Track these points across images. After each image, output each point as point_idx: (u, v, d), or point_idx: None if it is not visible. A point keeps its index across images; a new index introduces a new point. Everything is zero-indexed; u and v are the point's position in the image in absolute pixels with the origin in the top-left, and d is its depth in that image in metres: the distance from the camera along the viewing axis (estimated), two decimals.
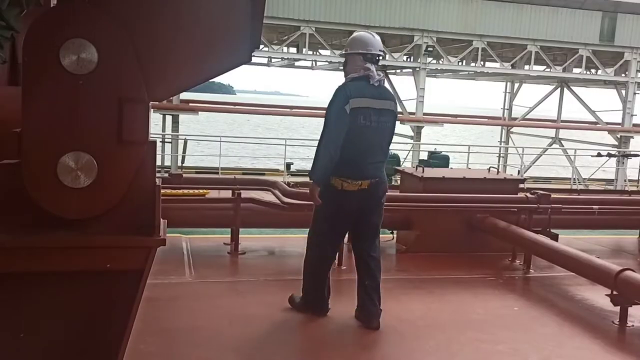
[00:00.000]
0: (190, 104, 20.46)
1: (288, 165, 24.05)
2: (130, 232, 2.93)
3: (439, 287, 5.44)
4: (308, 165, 22.83)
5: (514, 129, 23.61)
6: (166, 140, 18.04)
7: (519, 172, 20.82)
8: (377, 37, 4.36)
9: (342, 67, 4.45)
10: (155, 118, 18.77)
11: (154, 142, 2.99)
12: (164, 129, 19.25)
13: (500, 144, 23.34)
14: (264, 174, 22.49)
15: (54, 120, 2.74)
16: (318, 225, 4.36)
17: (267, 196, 6.40)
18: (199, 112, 18.99)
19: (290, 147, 27.63)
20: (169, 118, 18.56)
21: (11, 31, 2.11)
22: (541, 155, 22.65)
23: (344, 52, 4.30)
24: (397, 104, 4.57)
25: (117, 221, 2.91)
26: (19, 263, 2.77)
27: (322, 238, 4.38)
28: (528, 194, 6.57)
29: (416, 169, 7.03)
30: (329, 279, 4.51)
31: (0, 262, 2.71)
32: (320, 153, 4.07)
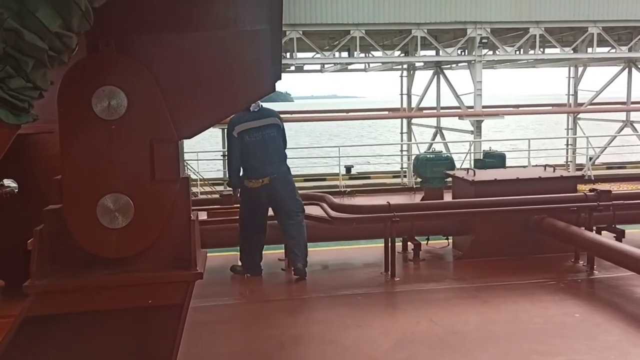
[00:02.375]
0: None
1: (348, 169, 24.10)
2: (168, 268, 3.04)
3: (495, 295, 5.30)
4: (368, 167, 22.64)
5: (581, 115, 22.61)
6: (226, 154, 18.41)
7: (590, 159, 19.98)
8: None
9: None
10: (215, 134, 19.24)
11: (187, 178, 3.09)
12: (224, 145, 19.68)
13: (568, 132, 22.41)
14: (325, 179, 22.66)
15: (90, 165, 2.88)
16: (242, 214, 5.95)
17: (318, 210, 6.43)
18: None
19: (350, 149, 27.74)
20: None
21: (39, 91, 2.21)
22: (612, 140, 21.57)
23: None
24: (279, 118, 6.01)
25: (156, 257, 3.03)
26: (66, 304, 2.92)
27: (245, 222, 5.94)
28: (587, 192, 6.28)
29: (467, 172, 6.87)
30: (261, 249, 6.07)
31: (47, 304, 2.88)
32: (229, 168, 5.99)
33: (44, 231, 2.94)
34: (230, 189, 6.13)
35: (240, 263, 6.15)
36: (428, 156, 8.15)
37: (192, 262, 3.01)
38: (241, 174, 5.83)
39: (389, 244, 5.91)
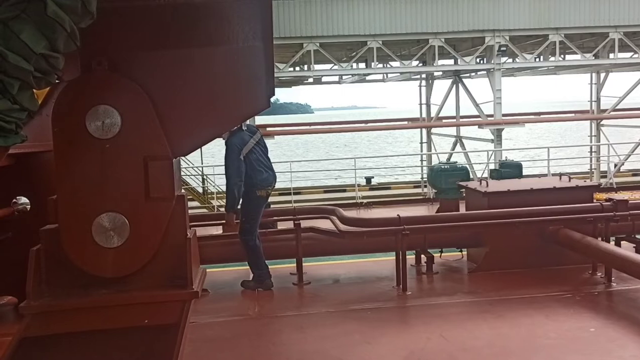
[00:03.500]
0: (267, 129, 20.87)
1: (369, 180, 24.00)
2: (165, 286, 3.01)
3: (509, 309, 5.17)
4: (389, 178, 22.43)
5: (604, 122, 22.22)
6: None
7: (615, 165, 19.59)
8: None
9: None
10: None
11: (183, 196, 3.06)
12: None
13: (591, 139, 22.02)
14: (344, 190, 22.59)
15: (85, 184, 2.88)
16: (251, 225, 5.93)
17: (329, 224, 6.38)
18: (274, 136, 19.32)
19: (368, 160, 27.63)
20: None
21: (26, 112, 2.21)
22: (636, 147, 21.12)
23: None
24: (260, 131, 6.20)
25: (152, 276, 3.00)
26: (63, 325, 2.91)
27: (254, 232, 5.96)
28: (603, 201, 6.12)
29: (480, 183, 6.75)
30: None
31: (44, 325, 2.87)
32: (233, 189, 5.74)
33: (40, 251, 2.94)
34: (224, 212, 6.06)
35: (251, 277, 6.13)
36: (442, 167, 8.04)
37: (188, 281, 2.97)
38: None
39: (400, 258, 5.82)
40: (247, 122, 6.06)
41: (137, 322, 2.94)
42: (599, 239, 5.88)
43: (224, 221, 7.27)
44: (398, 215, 5.93)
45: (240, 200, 5.89)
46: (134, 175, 2.90)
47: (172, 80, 2.95)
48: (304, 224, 6.26)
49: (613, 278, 5.72)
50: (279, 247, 6.24)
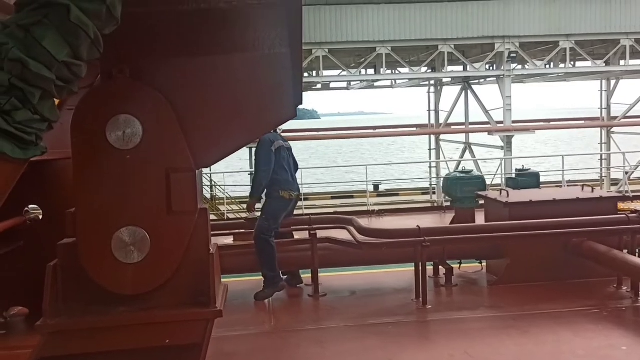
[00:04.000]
0: None
1: (376, 186, 23.84)
2: (187, 304, 2.87)
3: (534, 324, 5.00)
4: (396, 186, 22.27)
5: (614, 129, 22.02)
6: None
7: (626, 173, 19.37)
8: None
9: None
10: (243, 153, 19.20)
11: (205, 210, 2.92)
12: (250, 165, 19.64)
13: (602, 147, 21.81)
14: (352, 196, 22.44)
15: (105, 197, 2.74)
16: (270, 223, 5.86)
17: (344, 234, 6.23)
18: None
19: (376, 167, 27.46)
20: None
21: (47, 122, 2.09)
22: None
23: None
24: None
25: (174, 293, 2.86)
26: (80, 345, 2.77)
27: (271, 231, 5.86)
28: (629, 213, 5.95)
29: (500, 193, 6.59)
30: None
31: (60, 344, 2.73)
32: (260, 179, 5.94)
33: (57, 267, 2.80)
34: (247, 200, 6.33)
35: (263, 286, 5.94)
36: (458, 175, 7.88)
37: (211, 299, 2.83)
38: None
39: (420, 270, 5.66)
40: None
41: (158, 342, 2.80)
42: (625, 251, 5.71)
43: (235, 230, 7.18)
44: (418, 226, 5.78)
45: (263, 198, 6.11)
46: (156, 188, 2.77)
47: (196, 88, 2.82)
48: (319, 233, 6.11)
49: None
50: (294, 257, 6.09)
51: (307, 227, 6.35)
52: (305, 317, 5.54)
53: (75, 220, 2.77)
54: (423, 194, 23.07)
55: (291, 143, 6.71)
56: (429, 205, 18.00)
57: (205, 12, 2.73)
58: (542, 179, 11.55)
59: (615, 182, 21.06)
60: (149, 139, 2.73)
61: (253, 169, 6.28)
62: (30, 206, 4.39)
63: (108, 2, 2.03)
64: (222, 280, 3.23)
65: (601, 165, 21.34)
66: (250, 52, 2.82)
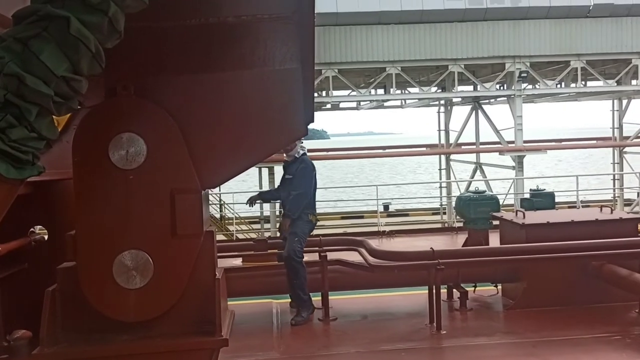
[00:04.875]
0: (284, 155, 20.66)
1: (386, 206, 23.64)
2: (191, 332, 2.72)
3: (554, 352, 4.80)
4: (405, 205, 22.07)
5: (627, 149, 21.77)
6: None
7: (638, 194, 19.08)
8: None
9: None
10: (251, 172, 19.12)
11: (212, 232, 2.78)
12: (260, 184, 19.55)
13: (614, 167, 21.55)
14: (362, 216, 22.26)
15: (106, 218, 2.61)
16: (301, 246, 5.82)
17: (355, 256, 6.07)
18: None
19: (387, 187, 27.33)
20: (265, 171, 18.76)
21: (45, 141, 1.96)
22: None
23: None
24: None
25: (178, 321, 2.71)
26: None
27: (302, 255, 5.83)
28: None
29: (516, 214, 6.42)
30: None
31: None
32: (301, 201, 5.93)
33: (56, 292, 2.66)
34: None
35: (297, 311, 5.88)
36: (472, 196, 7.71)
37: (217, 326, 2.68)
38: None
39: (434, 294, 5.48)
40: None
41: None
42: None
43: (244, 252, 7.04)
44: (432, 248, 5.61)
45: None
46: (160, 210, 2.63)
47: (203, 105, 2.70)
48: (330, 254, 5.96)
49: None
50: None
51: (317, 248, 6.20)
52: (315, 342, 5.36)
53: (75, 243, 2.64)
54: (433, 214, 22.85)
55: None
56: (439, 225, 17.79)
57: (213, 27, 2.62)
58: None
59: (628, 203, 20.75)
60: (154, 158, 2.60)
61: (279, 186, 6.38)
62: (35, 227, 4.28)
63: (110, 15, 1.92)
64: (230, 302, 3.09)
65: (614, 185, 21.07)
66: (260, 67, 2.70)
